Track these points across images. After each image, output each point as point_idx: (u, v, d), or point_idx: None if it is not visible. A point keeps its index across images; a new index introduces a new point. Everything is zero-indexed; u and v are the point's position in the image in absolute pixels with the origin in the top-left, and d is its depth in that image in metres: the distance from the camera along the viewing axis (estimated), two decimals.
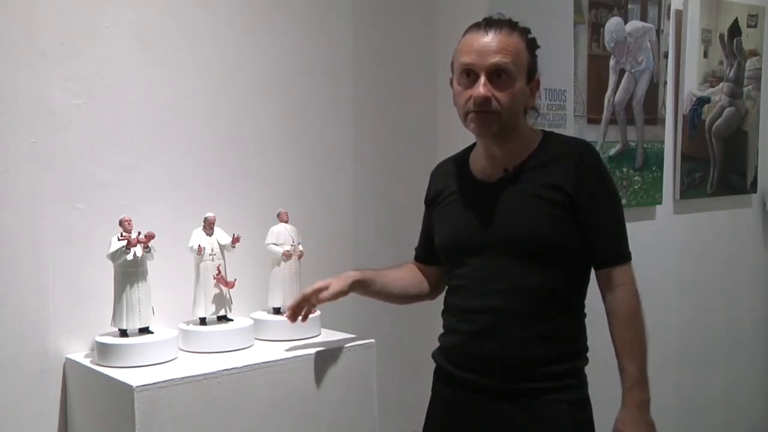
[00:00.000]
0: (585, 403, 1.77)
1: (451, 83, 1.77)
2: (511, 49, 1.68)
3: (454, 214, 1.82)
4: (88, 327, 1.93)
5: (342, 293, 1.88)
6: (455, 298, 1.83)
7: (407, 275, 1.99)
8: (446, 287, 1.89)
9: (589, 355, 1.79)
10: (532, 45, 1.74)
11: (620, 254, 1.74)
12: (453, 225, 1.82)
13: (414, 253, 2.03)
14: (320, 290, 1.87)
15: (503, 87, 1.68)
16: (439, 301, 1.91)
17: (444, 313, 1.87)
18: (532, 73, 1.74)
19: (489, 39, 1.68)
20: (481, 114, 1.68)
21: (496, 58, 1.67)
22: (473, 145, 1.86)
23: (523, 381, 1.71)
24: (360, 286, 1.90)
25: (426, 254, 1.98)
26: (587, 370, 1.79)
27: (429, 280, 1.99)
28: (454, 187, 1.84)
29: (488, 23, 1.71)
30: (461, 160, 1.88)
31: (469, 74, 1.69)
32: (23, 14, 1.85)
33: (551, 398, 1.71)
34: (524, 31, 1.73)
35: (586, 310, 1.79)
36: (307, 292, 1.89)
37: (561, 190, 1.69)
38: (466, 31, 1.74)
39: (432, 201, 1.92)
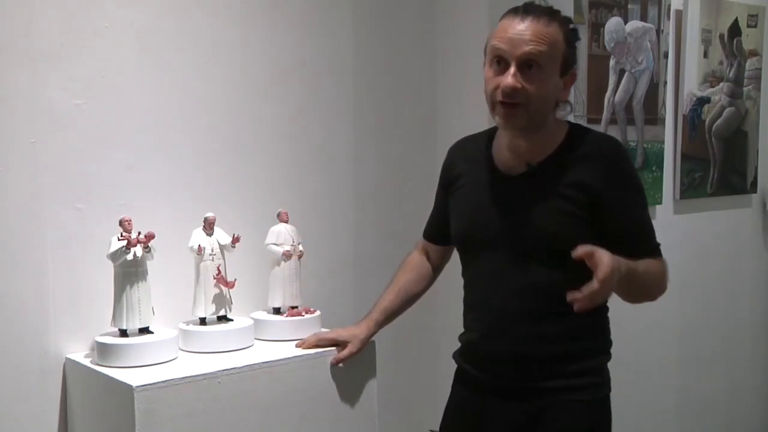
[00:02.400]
0: (603, 403, 1.74)
1: (484, 67, 1.71)
2: (546, 39, 1.61)
3: (472, 203, 1.78)
4: (88, 327, 1.93)
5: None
6: (468, 293, 1.82)
7: (408, 285, 1.97)
8: (463, 282, 1.85)
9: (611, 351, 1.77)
10: (571, 36, 1.67)
11: (655, 250, 1.72)
12: (470, 215, 1.78)
13: (423, 230, 2.01)
14: (333, 344, 1.95)
15: (533, 79, 1.61)
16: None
17: (464, 310, 1.85)
18: (567, 66, 1.67)
19: (524, 27, 1.61)
20: (508, 108, 1.62)
21: (528, 48, 1.60)
22: (496, 129, 1.78)
23: (535, 380, 1.70)
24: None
25: (436, 234, 1.95)
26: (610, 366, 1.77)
27: (432, 260, 1.97)
28: (474, 174, 1.79)
29: (526, 10, 1.64)
30: (484, 144, 1.81)
31: (500, 62, 1.63)
32: (23, 14, 1.84)
33: (566, 398, 1.69)
34: (564, 21, 1.66)
35: (608, 304, 1.75)
36: (323, 339, 1.96)
37: (585, 189, 1.64)
38: (503, 16, 1.67)
39: (450, 183, 1.86)
